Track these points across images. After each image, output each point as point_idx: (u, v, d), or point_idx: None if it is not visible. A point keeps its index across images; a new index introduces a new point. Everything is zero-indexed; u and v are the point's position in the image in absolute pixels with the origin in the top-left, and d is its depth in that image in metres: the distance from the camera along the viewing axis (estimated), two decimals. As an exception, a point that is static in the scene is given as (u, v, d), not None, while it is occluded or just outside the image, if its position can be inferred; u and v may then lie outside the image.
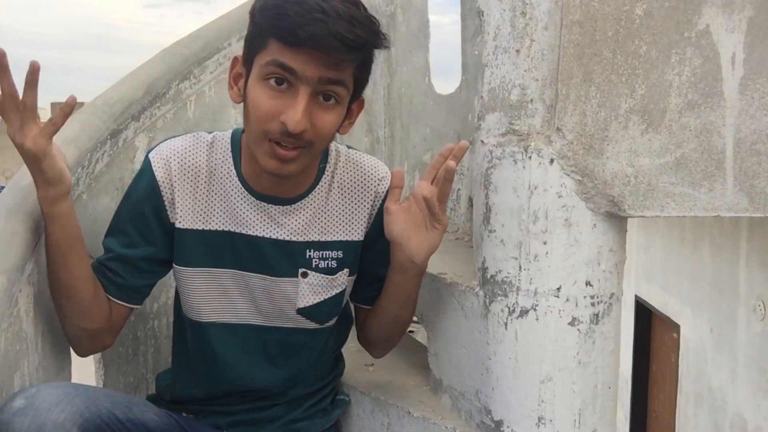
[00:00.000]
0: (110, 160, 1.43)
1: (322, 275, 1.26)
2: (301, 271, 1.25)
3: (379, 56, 2.04)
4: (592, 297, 1.22)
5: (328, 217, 1.26)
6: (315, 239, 1.25)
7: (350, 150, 1.31)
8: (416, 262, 1.22)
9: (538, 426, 1.24)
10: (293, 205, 1.24)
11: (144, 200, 1.23)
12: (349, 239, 1.27)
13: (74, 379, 1.30)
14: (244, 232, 1.23)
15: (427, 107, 2.06)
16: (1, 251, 1.11)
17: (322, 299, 1.27)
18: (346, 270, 1.28)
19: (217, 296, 1.26)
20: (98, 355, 1.44)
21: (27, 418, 0.99)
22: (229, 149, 1.24)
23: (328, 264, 1.26)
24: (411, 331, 4.31)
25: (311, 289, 1.26)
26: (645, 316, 6.01)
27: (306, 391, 1.37)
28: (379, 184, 1.28)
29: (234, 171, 1.23)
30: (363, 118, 2.03)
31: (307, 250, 1.25)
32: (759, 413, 3.89)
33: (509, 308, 1.24)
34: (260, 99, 1.09)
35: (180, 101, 1.61)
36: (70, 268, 1.17)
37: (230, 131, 1.27)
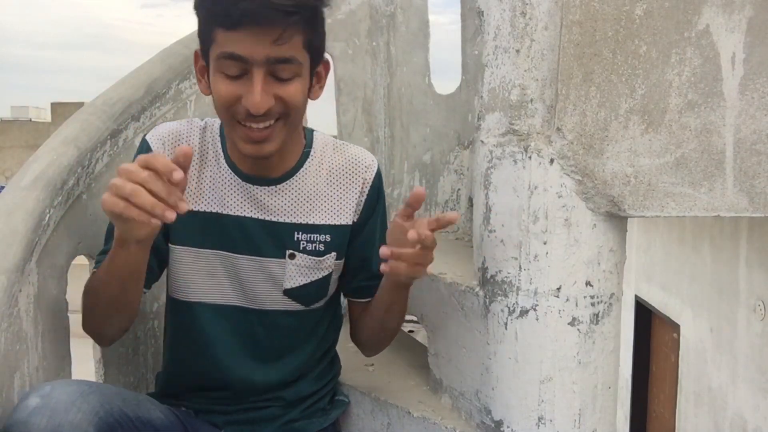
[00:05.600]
0: (110, 160, 1.43)
1: (310, 257, 1.29)
2: (288, 252, 1.28)
3: (379, 55, 2.05)
4: (592, 297, 1.22)
5: (316, 200, 1.29)
6: (302, 221, 1.28)
7: (336, 140, 1.36)
8: (400, 281, 1.22)
9: (538, 426, 1.24)
10: (278, 186, 1.27)
11: None
12: (337, 223, 1.30)
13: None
14: (231, 213, 1.26)
15: (427, 107, 2.06)
16: (1, 251, 1.11)
17: (308, 281, 1.30)
18: (333, 253, 1.30)
19: (205, 276, 1.28)
20: (98, 354, 1.44)
21: (44, 418, 0.99)
22: (218, 134, 1.29)
23: (315, 247, 1.29)
24: (411, 331, 4.31)
25: (298, 270, 1.29)
26: (645, 316, 6.01)
27: (304, 393, 1.38)
28: (366, 171, 1.32)
29: (222, 154, 1.28)
30: (363, 118, 2.03)
31: (296, 233, 1.28)
32: (759, 413, 3.89)
33: (509, 308, 1.24)
34: (220, 88, 1.14)
35: (180, 101, 1.61)
36: (127, 290, 1.16)
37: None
